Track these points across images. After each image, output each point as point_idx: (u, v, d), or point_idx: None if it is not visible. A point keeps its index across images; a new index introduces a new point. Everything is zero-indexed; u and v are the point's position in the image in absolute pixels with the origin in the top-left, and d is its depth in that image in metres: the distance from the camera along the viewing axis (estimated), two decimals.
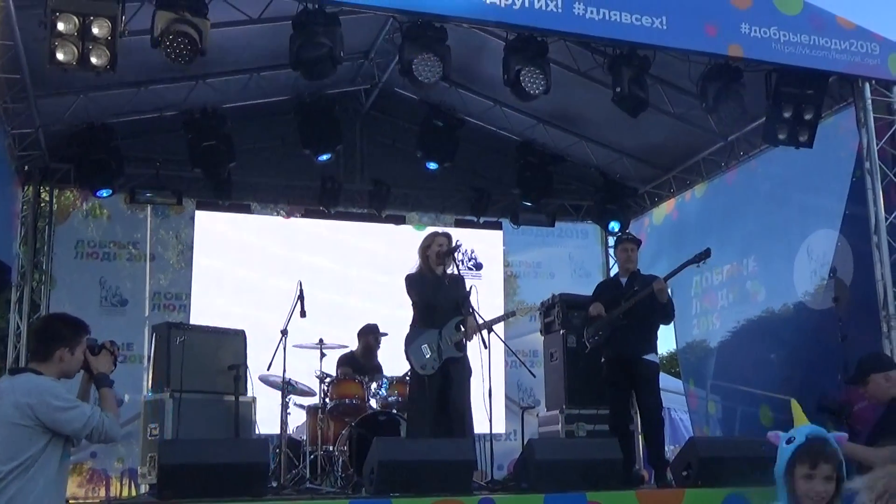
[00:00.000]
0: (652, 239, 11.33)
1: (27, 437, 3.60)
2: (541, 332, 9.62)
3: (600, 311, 7.42)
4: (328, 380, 7.84)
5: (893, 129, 7.80)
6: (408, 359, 7.09)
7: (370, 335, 8.90)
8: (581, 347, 8.30)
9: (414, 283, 7.09)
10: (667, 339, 8.44)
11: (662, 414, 7.55)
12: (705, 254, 7.47)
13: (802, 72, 7.54)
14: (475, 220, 11.34)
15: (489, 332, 6.95)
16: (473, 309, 6.94)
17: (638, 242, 7.86)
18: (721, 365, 9.85)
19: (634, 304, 7.30)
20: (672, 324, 10.38)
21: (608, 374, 7.50)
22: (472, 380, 7.03)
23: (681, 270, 7.63)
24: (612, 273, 11.67)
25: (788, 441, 2.98)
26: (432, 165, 10.07)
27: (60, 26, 5.91)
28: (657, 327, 7.64)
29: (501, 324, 8.70)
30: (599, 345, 7.48)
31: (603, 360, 7.55)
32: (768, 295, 9.14)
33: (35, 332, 4.05)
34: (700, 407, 10.34)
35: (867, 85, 7.75)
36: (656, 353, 7.61)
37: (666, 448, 11.56)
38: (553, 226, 11.42)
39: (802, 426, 3.05)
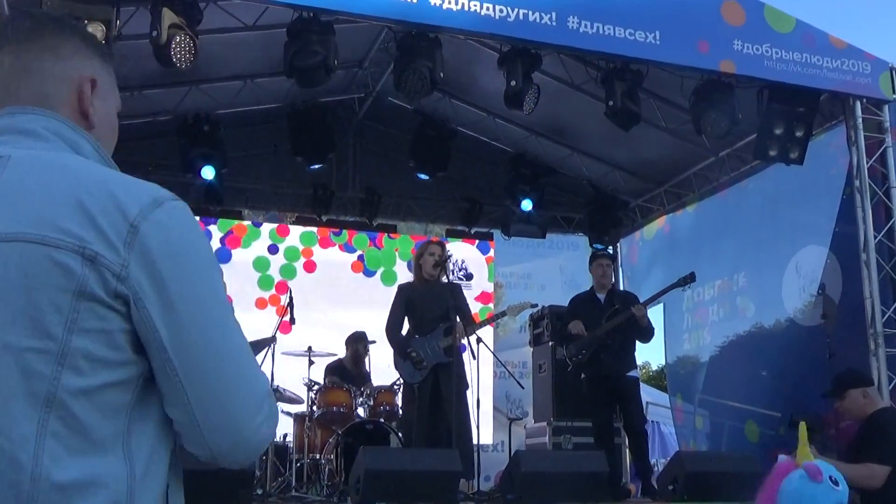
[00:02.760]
0: (644, 253, 11.37)
1: None
2: (530, 343, 9.62)
3: (581, 330, 7.48)
4: (316, 388, 7.83)
5: (883, 147, 7.85)
6: (397, 368, 7.09)
7: (358, 343, 8.88)
8: None
9: (402, 295, 7.12)
10: (657, 354, 8.59)
11: (646, 427, 7.71)
12: (690, 277, 7.66)
13: (794, 89, 7.60)
14: (466, 230, 11.36)
15: (479, 343, 6.97)
16: (466, 316, 6.97)
17: (613, 258, 8.00)
18: (710, 380, 9.88)
19: (616, 325, 7.40)
20: (663, 338, 10.46)
21: (590, 391, 7.55)
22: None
23: (663, 294, 7.77)
24: None
25: (835, 482, 2.98)
26: (423, 176, 10.04)
27: None
28: (636, 344, 7.75)
29: (491, 335, 8.74)
30: (582, 363, 7.51)
31: (583, 377, 7.58)
32: (758, 311, 9.18)
33: None
34: (687, 421, 10.37)
35: (858, 103, 7.81)
36: (636, 369, 7.80)
37: (653, 461, 11.66)
38: (544, 237, 11.43)
39: (824, 464, 3.07)
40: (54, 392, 1.19)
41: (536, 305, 8.15)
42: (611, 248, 11.72)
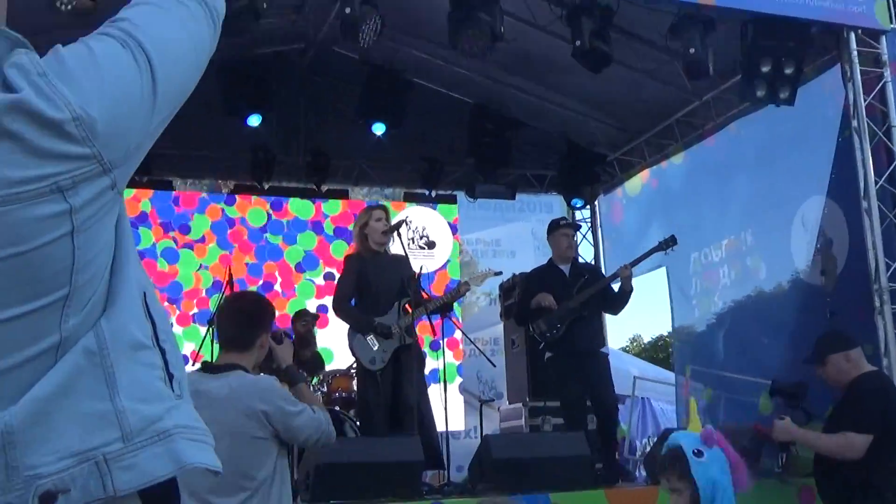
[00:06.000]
0: (630, 212, 11.33)
1: (264, 452, 3.36)
2: (501, 316, 9.60)
3: (552, 302, 7.44)
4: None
5: (882, 82, 7.83)
6: (353, 353, 7.03)
7: (296, 322, 8.75)
8: None
9: (352, 266, 7.02)
10: (650, 326, 8.60)
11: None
12: (671, 241, 7.77)
13: (781, 21, 7.56)
14: (427, 193, 11.32)
15: (443, 318, 6.93)
16: (422, 290, 6.92)
17: (578, 227, 8.02)
18: (721, 350, 9.75)
19: (594, 293, 7.46)
20: (670, 306, 10.42)
21: (561, 370, 7.51)
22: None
23: (643, 259, 7.89)
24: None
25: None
26: (379, 129, 9.89)
27: None
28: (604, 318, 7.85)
29: (458, 310, 8.68)
30: (557, 339, 7.48)
31: (549, 355, 7.56)
32: (769, 271, 9.08)
33: (237, 313, 3.67)
34: (694, 397, 10.23)
35: (852, 35, 7.78)
36: (607, 345, 7.86)
37: (644, 440, 11.68)
38: (514, 198, 11.40)
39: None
40: None
41: (500, 273, 8.08)
42: (588, 207, 11.74)
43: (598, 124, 10.72)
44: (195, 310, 10.06)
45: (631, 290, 7.57)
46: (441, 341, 7.03)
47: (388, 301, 6.93)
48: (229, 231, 10.53)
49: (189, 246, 10.33)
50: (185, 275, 10.21)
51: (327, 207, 11.02)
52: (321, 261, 10.76)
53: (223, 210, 10.60)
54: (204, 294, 10.10)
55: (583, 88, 9.69)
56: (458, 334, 9.64)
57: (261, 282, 10.38)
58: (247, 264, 10.37)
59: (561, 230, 7.91)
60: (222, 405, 3.32)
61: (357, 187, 11.21)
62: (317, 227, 10.89)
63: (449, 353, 6.93)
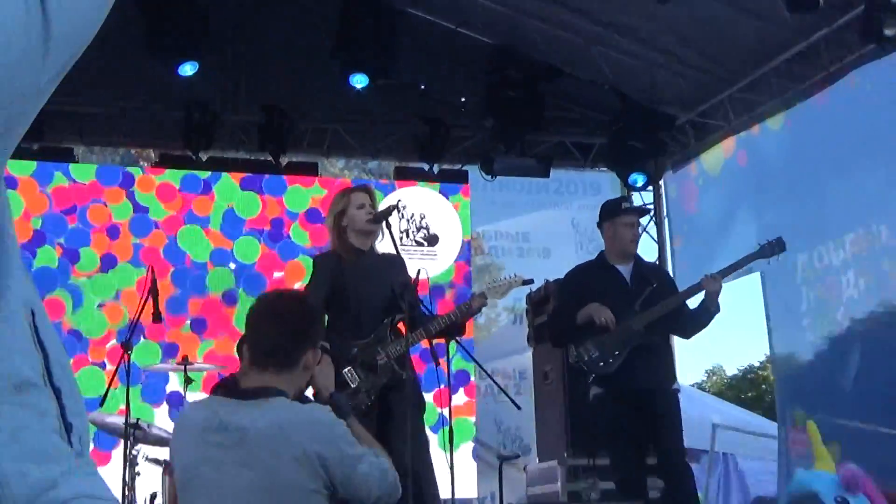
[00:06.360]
0: (708, 195, 11.35)
1: None
2: (529, 340, 9.62)
3: (612, 320, 7.35)
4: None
5: None
6: None
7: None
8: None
9: (325, 270, 7.03)
10: (733, 353, 8.43)
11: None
12: (778, 245, 7.57)
13: None
14: (427, 168, 11.38)
15: (448, 341, 6.95)
16: (421, 303, 6.93)
17: (647, 213, 7.95)
18: (848, 389, 9.61)
19: (668, 310, 7.39)
20: (766, 326, 10.38)
21: (614, 413, 7.44)
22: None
23: (739, 268, 7.81)
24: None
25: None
26: (360, 81, 9.96)
27: None
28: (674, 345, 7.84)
29: (470, 331, 8.68)
30: (610, 373, 7.43)
31: (598, 392, 7.50)
32: None
33: (276, 321, 3.76)
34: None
35: None
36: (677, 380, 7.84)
37: None
38: (548, 176, 11.43)
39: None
40: None
41: (531, 281, 8.05)
42: (650, 188, 11.76)
43: (666, 74, 10.75)
44: (104, 359, 10.01)
45: (717, 310, 7.42)
46: (437, 373, 7.02)
47: (374, 319, 6.94)
48: (145, 246, 10.51)
49: (108, 264, 10.29)
50: (86, 311, 10.22)
51: (290, 200, 10.96)
52: (267, 283, 10.63)
53: (143, 205, 10.52)
54: (114, 341, 9.83)
55: (644, 24, 9.73)
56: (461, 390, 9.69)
57: (188, 321, 10.39)
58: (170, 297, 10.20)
59: (624, 216, 7.66)
60: (262, 444, 3.36)
61: (330, 159, 11.24)
62: (274, 231, 10.81)
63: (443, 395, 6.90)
